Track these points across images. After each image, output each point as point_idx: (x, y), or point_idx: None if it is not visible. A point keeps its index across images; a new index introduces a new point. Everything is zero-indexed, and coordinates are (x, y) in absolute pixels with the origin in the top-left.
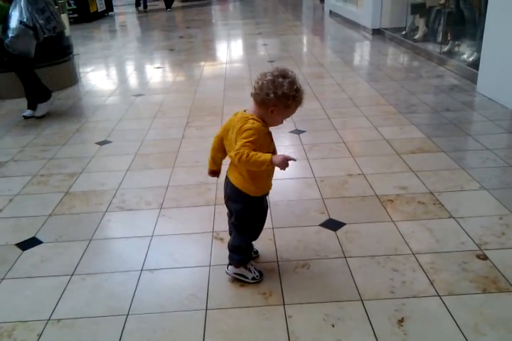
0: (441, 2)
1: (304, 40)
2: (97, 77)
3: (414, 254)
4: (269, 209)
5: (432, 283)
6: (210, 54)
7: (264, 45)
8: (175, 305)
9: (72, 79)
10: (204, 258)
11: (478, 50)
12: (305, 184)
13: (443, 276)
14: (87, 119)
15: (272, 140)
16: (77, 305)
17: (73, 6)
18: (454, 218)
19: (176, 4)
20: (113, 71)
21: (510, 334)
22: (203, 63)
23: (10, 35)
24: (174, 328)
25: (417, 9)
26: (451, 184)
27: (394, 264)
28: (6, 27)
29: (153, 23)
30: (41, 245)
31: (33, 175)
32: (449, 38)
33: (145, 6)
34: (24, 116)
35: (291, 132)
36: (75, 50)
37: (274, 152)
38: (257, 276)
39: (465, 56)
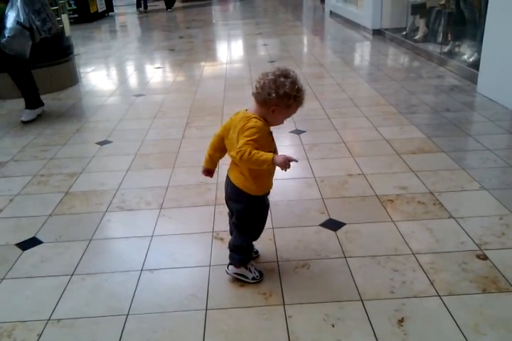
0: (441, 3)
1: (305, 41)
2: (98, 77)
3: (414, 254)
4: (269, 209)
5: (432, 283)
6: (210, 54)
7: (265, 45)
8: (175, 305)
9: (72, 79)
10: (204, 258)
11: (479, 50)
12: (305, 184)
13: (443, 276)
14: (88, 119)
15: (273, 139)
16: (77, 305)
17: (73, 7)
18: (454, 218)
19: (176, 4)
20: (113, 71)
21: (510, 334)
22: (203, 63)
23: (6, 34)
24: (174, 328)
25: (417, 10)
26: (452, 184)
27: (394, 264)
28: (2, 27)
29: (154, 24)
30: (41, 245)
31: (33, 175)
32: (449, 39)
33: (145, 7)
34: (22, 120)
35: (291, 132)
36: (76, 50)
37: (275, 152)
38: (257, 276)
39: (465, 56)
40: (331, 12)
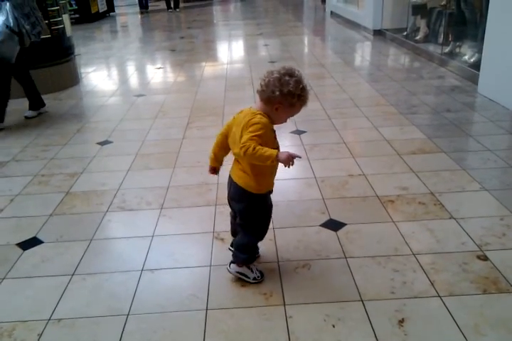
0: (442, 3)
1: (305, 41)
2: (98, 78)
3: (414, 255)
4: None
5: (432, 284)
6: (211, 54)
7: (265, 45)
8: (175, 305)
9: (73, 79)
10: (204, 258)
11: (479, 51)
12: (306, 184)
13: (443, 277)
14: (88, 119)
15: (275, 137)
16: (78, 305)
17: (74, 7)
18: (454, 219)
19: None
20: (114, 71)
21: (510, 335)
22: (204, 64)
23: None
24: (174, 328)
25: (418, 10)
26: (452, 185)
27: (394, 265)
28: None
29: (155, 24)
30: (42, 245)
31: (34, 175)
32: (450, 39)
33: (146, 7)
34: (25, 116)
35: (292, 132)
36: (77, 51)
37: (277, 148)
38: (258, 277)
39: (466, 57)
40: (331, 12)
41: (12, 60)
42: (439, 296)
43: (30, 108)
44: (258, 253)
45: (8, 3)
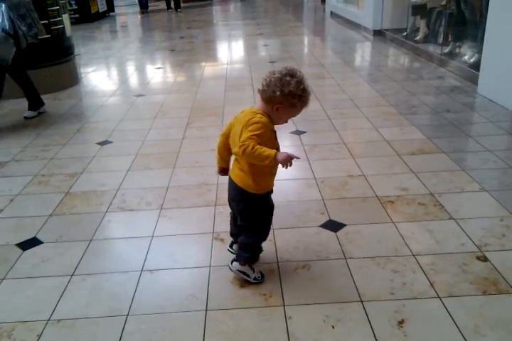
0: (442, 3)
1: (305, 41)
2: (98, 78)
3: (414, 255)
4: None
5: (432, 285)
6: (211, 54)
7: (265, 45)
8: (175, 306)
9: (73, 79)
10: (204, 258)
11: (479, 51)
12: (305, 185)
13: (443, 278)
14: (88, 119)
15: (276, 138)
16: (77, 305)
17: (74, 7)
18: (454, 219)
19: None
20: (114, 71)
21: (510, 336)
22: (203, 64)
23: None
24: (174, 329)
25: (418, 10)
26: (452, 185)
27: (394, 265)
28: None
29: (154, 24)
30: (42, 245)
31: (33, 175)
32: (450, 39)
33: (146, 7)
34: (25, 116)
35: (291, 133)
36: (76, 51)
37: (277, 149)
38: (259, 277)
39: (466, 57)
40: (331, 13)
41: (8, 63)
42: (439, 297)
43: (30, 108)
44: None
45: (3, 5)
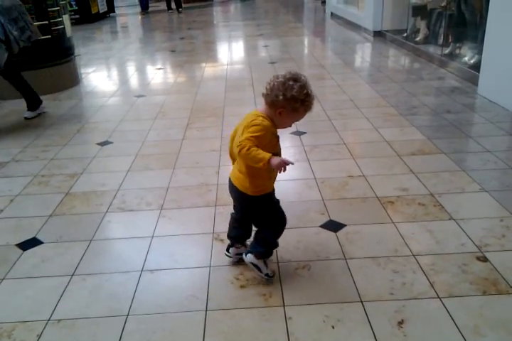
0: (442, 4)
1: (305, 42)
2: (99, 78)
3: (414, 256)
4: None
5: (432, 285)
6: (211, 55)
7: (265, 46)
8: (175, 306)
9: (73, 79)
10: (204, 259)
11: (480, 52)
12: (305, 185)
13: (443, 278)
14: (88, 120)
15: (277, 143)
16: (77, 305)
17: (75, 7)
18: (454, 220)
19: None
20: (114, 72)
21: (510, 336)
22: (204, 64)
23: None
24: (174, 329)
25: (418, 11)
26: (452, 186)
27: (394, 266)
28: None
29: (155, 24)
30: (42, 245)
31: (33, 175)
32: (450, 40)
33: (147, 7)
34: (25, 117)
35: (292, 133)
36: (77, 51)
37: (277, 154)
38: (271, 274)
39: (466, 58)
40: (331, 13)
41: (0, 68)
42: (439, 297)
43: (29, 108)
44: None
45: None
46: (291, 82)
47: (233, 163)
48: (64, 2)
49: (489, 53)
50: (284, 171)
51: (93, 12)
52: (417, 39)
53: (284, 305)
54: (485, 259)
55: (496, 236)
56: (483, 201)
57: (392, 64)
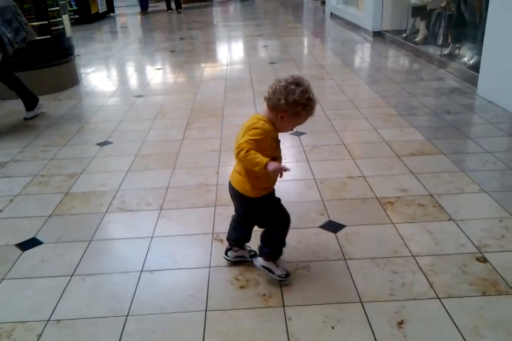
0: (442, 5)
1: (305, 42)
2: (98, 78)
3: (413, 256)
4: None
5: (431, 286)
6: (210, 55)
7: (265, 46)
8: (175, 306)
9: (73, 80)
10: (204, 259)
11: (479, 52)
12: (305, 185)
13: (443, 279)
14: (88, 120)
15: (277, 147)
16: (77, 305)
17: (74, 7)
18: (453, 220)
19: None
20: (114, 72)
21: (510, 337)
22: (203, 65)
23: None
24: (174, 329)
25: (417, 12)
26: (451, 186)
27: (394, 266)
28: None
29: (155, 25)
30: (41, 245)
31: (33, 175)
32: (449, 41)
33: (146, 8)
34: (24, 118)
35: (291, 134)
36: (76, 51)
37: (277, 159)
38: (284, 275)
39: (465, 59)
40: (331, 14)
41: None
42: (438, 298)
43: (27, 108)
44: (256, 254)
45: None
46: (293, 86)
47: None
48: (64, 2)
49: (489, 54)
50: (280, 177)
51: (93, 12)
52: (417, 39)
53: (283, 306)
54: (484, 260)
55: (495, 236)
56: (483, 202)
57: (391, 64)
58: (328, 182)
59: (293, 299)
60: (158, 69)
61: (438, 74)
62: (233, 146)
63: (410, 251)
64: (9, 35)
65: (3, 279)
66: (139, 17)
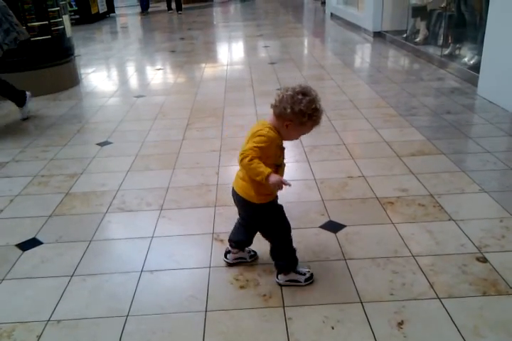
0: (442, 5)
1: (305, 42)
2: (98, 78)
3: (414, 256)
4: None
5: (431, 286)
6: (211, 56)
7: (265, 47)
8: (175, 307)
9: (73, 80)
10: (204, 259)
11: (479, 53)
12: (305, 186)
13: (443, 279)
14: (88, 120)
15: (282, 155)
16: (77, 306)
17: (74, 7)
18: (454, 220)
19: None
20: (114, 72)
21: (510, 337)
22: (203, 65)
23: None
24: (174, 329)
25: (418, 12)
26: (452, 186)
27: (394, 266)
28: None
29: (155, 25)
30: (41, 246)
31: (33, 175)
32: (449, 41)
33: (147, 8)
34: (22, 118)
35: None
36: (76, 51)
37: (280, 166)
38: (309, 277)
39: (466, 59)
40: (331, 14)
41: None
42: (439, 298)
43: (18, 105)
44: (256, 255)
45: None
46: (300, 96)
47: None
48: (64, 2)
49: (489, 54)
50: (280, 190)
51: (93, 12)
52: (417, 40)
53: (283, 306)
54: (484, 260)
55: (495, 236)
56: (483, 202)
57: (391, 64)
58: (329, 183)
59: (293, 299)
60: (159, 69)
61: (438, 75)
62: (233, 146)
63: (410, 251)
64: None
65: (3, 279)
66: (139, 17)
